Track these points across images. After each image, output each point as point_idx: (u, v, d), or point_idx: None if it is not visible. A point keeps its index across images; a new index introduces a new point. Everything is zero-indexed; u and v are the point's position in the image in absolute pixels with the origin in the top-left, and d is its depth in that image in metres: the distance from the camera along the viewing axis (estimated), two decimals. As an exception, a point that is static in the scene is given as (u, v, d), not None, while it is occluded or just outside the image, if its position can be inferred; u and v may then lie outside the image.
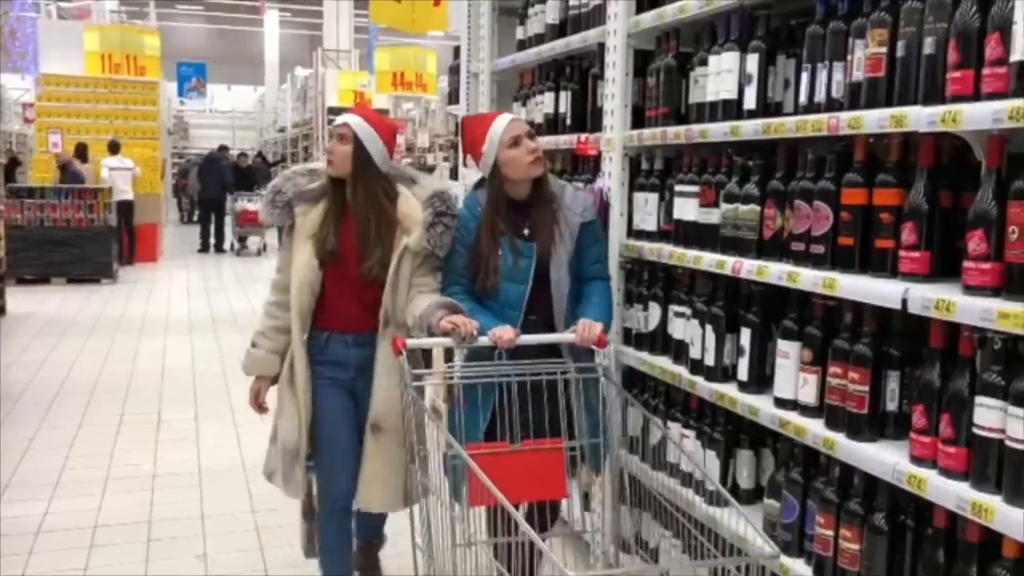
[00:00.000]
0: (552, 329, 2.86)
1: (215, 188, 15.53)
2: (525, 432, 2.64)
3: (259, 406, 3.11)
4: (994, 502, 1.86)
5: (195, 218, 19.16)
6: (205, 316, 9.67)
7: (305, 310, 2.95)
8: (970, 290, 1.94)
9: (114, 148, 13.10)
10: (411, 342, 2.69)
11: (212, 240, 15.87)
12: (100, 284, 11.58)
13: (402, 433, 2.79)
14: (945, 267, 2.12)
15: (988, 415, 1.89)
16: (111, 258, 11.83)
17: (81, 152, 13.01)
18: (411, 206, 2.95)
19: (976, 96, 1.91)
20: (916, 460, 2.08)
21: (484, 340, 2.69)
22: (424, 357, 3.10)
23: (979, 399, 1.91)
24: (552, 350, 2.82)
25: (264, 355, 3.05)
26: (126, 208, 12.82)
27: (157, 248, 14.22)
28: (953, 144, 2.19)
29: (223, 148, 18.20)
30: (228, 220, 15.83)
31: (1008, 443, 1.85)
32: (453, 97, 5.38)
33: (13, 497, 4.38)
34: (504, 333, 2.69)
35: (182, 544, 3.89)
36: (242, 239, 15.85)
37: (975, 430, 1.92)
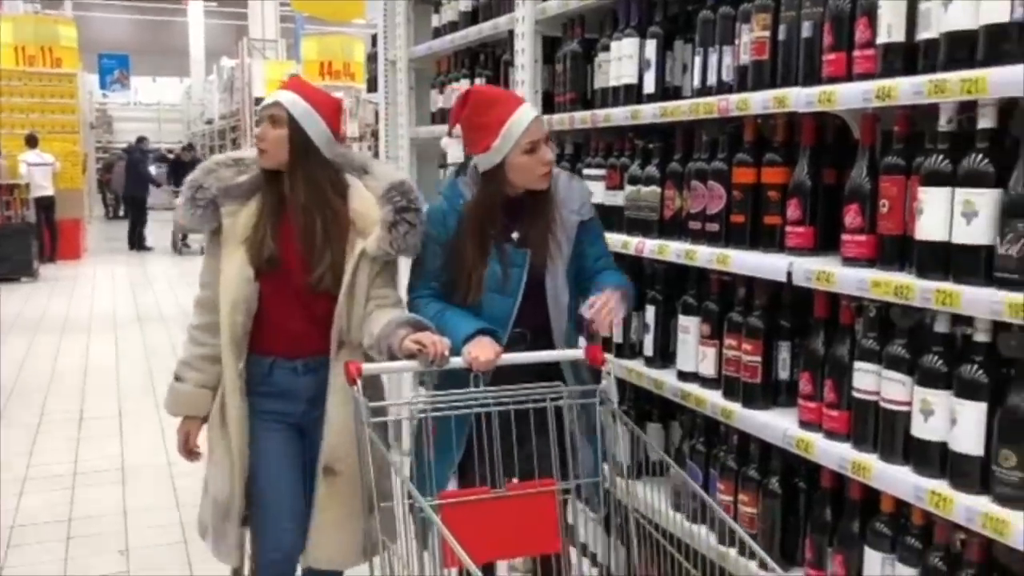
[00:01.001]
0: (549, 347, 2.44)
1: (135, 183, 15.16)
2: (510, 473, 2.23)
3: (189, 452, 2.60)
4: (871, 460, 1.97)
5: (121, 213, 18.73)
6: (130, 314, 9.51)
7: (240, 333, 2.44)
8: (848, 262, 2.05)
9: (32, 142, 12.74)
10: (367, 367, 2.23)
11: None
12: (20, 283, 11.28)
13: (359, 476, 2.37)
14: (830, 242, 2.23)
15: (865, 379, 2.00)
16: (31, 256, 11.53)
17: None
18: (365, 202, 2.45)
19: (849, 77, 2.02)
20: (804, 425, 2.19)
21: (458, 361, 2.26)
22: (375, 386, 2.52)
23: (857, 364, 2.02)
24: (548, 372, 2.39)
25: (191, 390, 2.53)
26: (46, 204, 12.50)
27: (80, 245, 13.90)
28: (835, 123, 2.30)
29: (140, 140, 17.75)
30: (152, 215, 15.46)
31: (882, 404, 1.96)
32: (371, 85, 5.39)
33: None
34: (481, 352, 2.23)
35: (103, 540, 3.86)
36: (184, 236, 15.11)
37: (854, 393, 2.04)
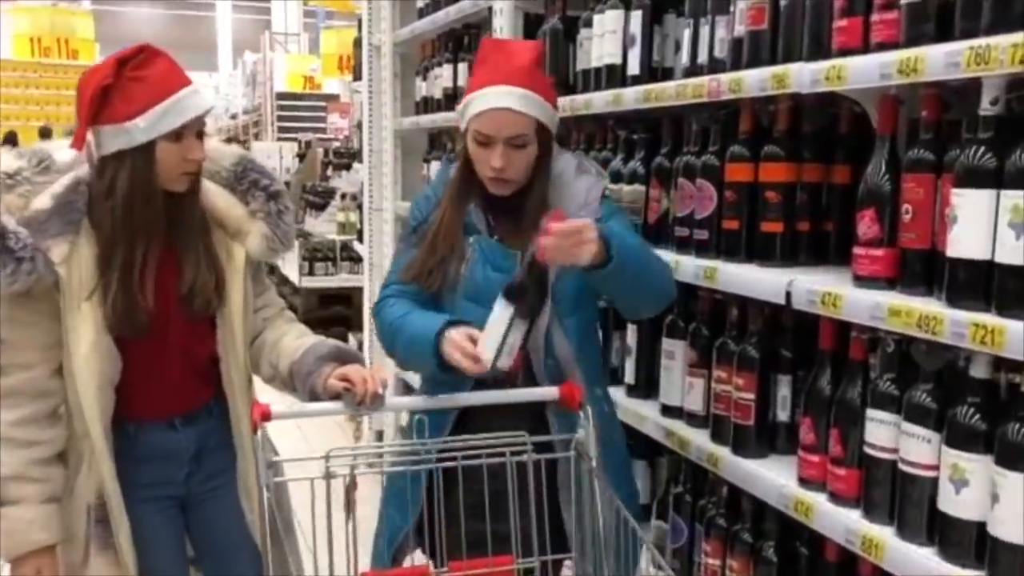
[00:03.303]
0: (532, 382, 1.90)
1: None
2: (477, 547, 1.79)
3: None
4: (885, 536, 1.55)
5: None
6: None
7: (108, 419, 1.83)
8: (861, 281, 1.63)
9: (45, 135, 12.54)
10: (278, 411, 1.76)
11: None
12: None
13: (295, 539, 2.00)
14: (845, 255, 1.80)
15: (880, 431, 1.58)
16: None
17: (11, 140, 12.44)
18: (222, 195, 1.94)
19: (866, 48, 1.59)
20: (804, 482, 1.77)
21: (402, 403, 1.90)
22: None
23: (870, 412, 1.60)
24: (534, 414, 1.89)
25: (36, 513, 1.78)
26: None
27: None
28: (852, 110, 1.87)
29: None
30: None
31: (901, 466, 1.53)
32: (356, 73, 5.01)
33: None
34: (465, 353, 1.75)
35: None
36: None
37: (866, 449, 1.61)
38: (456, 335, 1.76)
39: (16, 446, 1.78)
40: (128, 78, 1.74)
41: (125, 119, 1.73)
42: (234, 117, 24.81)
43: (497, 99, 1.81)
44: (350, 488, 1.82)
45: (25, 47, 13.40)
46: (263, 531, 1.73)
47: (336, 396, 1.84)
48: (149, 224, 1.80)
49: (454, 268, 1.90)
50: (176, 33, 32.21)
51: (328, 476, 1.78)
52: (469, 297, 1.89)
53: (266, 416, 1.78)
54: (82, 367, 1.78)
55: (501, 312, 1.70)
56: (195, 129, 1.80)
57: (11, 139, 12.47)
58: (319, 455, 1.79)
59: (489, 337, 1.71)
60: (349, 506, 1.79)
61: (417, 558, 1.97)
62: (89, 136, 1.79)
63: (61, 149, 1.83)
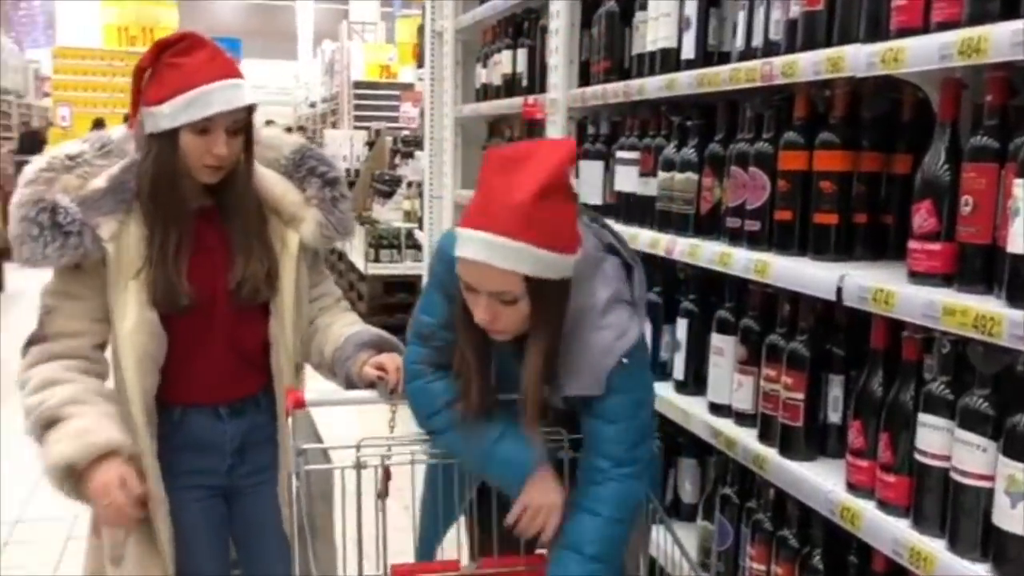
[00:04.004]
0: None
1: None
2: (510, 545, 1.78)
3: (139, 503, 1.75)
4: (936, 549, 1.45)
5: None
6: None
7: (151, 400, 1.84)
8: (916, 278, 1.53)
9: (99, 126, 12.77)
10: (312, 398, 1.82)
11: None
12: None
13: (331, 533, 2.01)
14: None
15: (932, 437, 1.48)
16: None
17: (99, 127, 12.84)
18: (278, 182, 1.94)
19: (926, 28, 1.49)
20: (852, 488, 1.68)
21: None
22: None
23: (922, 417, 1.50)
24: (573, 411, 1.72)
25: (94, 421, 1.73)
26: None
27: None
28: (916, 95, 1.76)
29: None
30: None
31: (954, 475, 1.43)
32: (420, 60, 4.99)
33: None
34: (538, 505, 1.66)
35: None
36: None
37: (917, 455, 1.51)
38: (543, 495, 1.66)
39: (65, 382, 1.77)
40: (165, 63, 1.76)
41: (154, 103, 1.74)
42: (313, 106, 25.23)
43: (478, 250, 1.49)
44: (384, 479, 1.82)
45: (113, 36, 13.82)
46: (290, 520, 1.71)
47: (371, 384, 1.84)
48: (174, 210, 1.81)
49: (479, 378, 1.66)
50: (258, 22, 32.89)
51: (359, 466, 1.78)
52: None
53: (299, 403, 1.79)
54: (126, 343, 1.80)
55: None
56: (224, 124, 1.77)
57: (99, 126, 12.89)
58: (351, 444, 1.80)
59: None
60: (382, 496, 1.78)
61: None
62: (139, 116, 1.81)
63: (79, 144, 1.85)
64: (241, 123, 1.81)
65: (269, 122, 14.95)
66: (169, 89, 1.73)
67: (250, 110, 1.83)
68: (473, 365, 1.64)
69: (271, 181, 1.95)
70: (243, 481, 1.99)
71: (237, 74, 1.80)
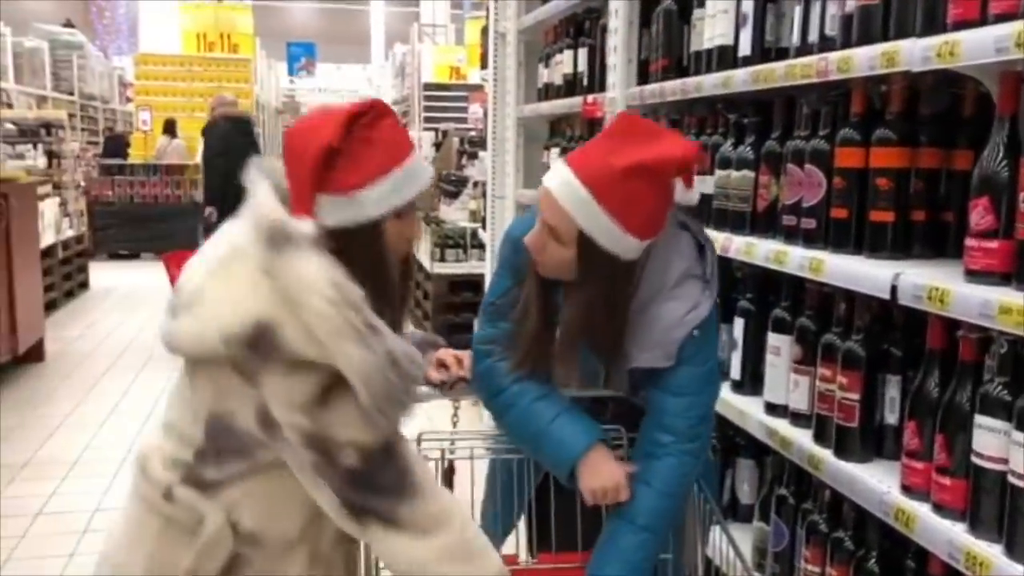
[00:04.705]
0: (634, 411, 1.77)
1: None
2: (567, 540, 1.81)
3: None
4: (993, 554, 1.42)
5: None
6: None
7: None
8: (973, 276, 1.49)
9: (169, 128, 12.93)
10: None
11: None
12: (190, 259, 11.74)
13: None
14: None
15: (988, 439, 1.45)
16: (197, 234, 12.00)
17: (170, 128, 13.15)
18: None
19: (983, 21, 1.45)
20: (907, 490, 1.65)
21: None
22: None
23: (979, 419, 1.46)
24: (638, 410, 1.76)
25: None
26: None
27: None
28: (977, 90, 1.72)
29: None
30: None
31: (1011, 479, 1.40)
32: (483, 61, 5.03)
33: (28, 476, 4.32)
34: (599, 482, 1.67)
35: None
36: None
37: (974, 458, 1.48)
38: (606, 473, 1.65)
39: None
40: (357, 139, 1.44)
41: (354, 188, 1.44)
42: (384, 107, 25.61)
43: (556, 180, 1.57)
44: (448, 472, 1.85)
45: (192, 42, 14.22)
46: None
47: (431, 382, 1.84)
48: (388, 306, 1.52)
49: (540, 341, 1.69)
50: (331, 27, 33.47)
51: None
52: None
53: None
54: None
55: None
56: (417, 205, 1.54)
57: (170, 127, 13.24)
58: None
59: None
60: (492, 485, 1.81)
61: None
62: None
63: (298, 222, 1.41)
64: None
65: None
66: (372, 170, 1.45)
67: None
68: (534, 316, 1.66)
69: None
70: None
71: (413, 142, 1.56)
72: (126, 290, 9.50)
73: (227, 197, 7.00)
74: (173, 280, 8.78)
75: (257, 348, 1.36)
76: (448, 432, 1.89)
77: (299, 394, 1.38)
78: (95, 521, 3.78)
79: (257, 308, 1.37)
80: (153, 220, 11.58)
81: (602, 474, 1.66)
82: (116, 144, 14.11)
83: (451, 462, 1.85)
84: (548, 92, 3.89)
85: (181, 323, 1.43)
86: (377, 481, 1.42)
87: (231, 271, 1.42)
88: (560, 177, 1.55)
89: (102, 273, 10.06)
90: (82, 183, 10.08)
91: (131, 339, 7.21)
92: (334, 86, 32.38)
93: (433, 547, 1.44)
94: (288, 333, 1.36)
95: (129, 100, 15.96)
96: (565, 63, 3.64)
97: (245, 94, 14.58)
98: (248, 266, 1.40)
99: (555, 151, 3.79)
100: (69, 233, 8.59)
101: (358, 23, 32.24)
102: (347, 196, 1.44)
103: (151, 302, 8.74)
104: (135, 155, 13.82)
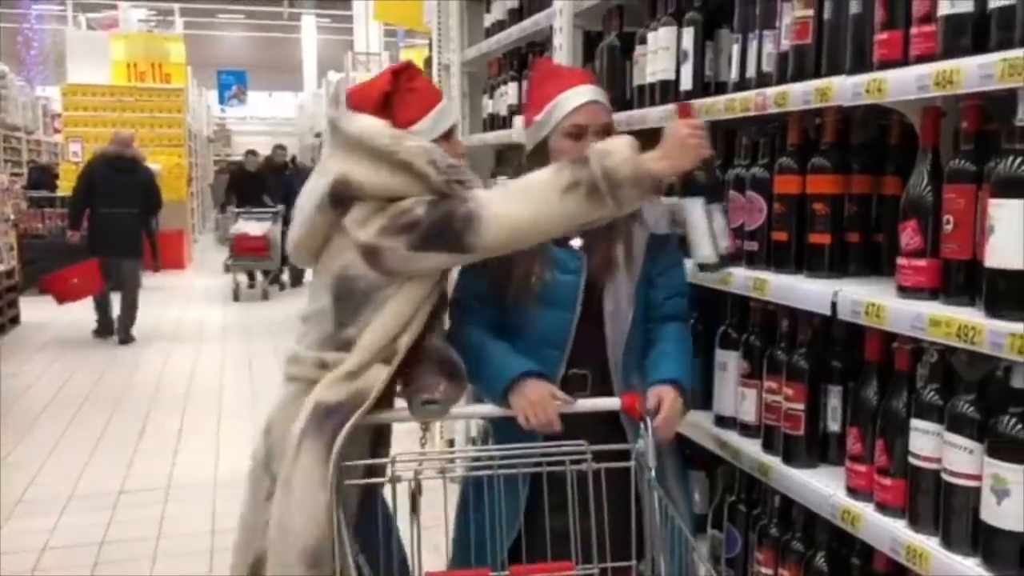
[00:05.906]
0: (606, 387, 2.05)
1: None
2: (561, 550, 1.88)
3: None
4: (930, 546, 1.55)
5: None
6: (235, 322, 9.56)
7: None
8: (905, 292, 1.64)
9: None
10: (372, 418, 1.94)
11: None
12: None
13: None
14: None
15: (923, 441, 1.58)
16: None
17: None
18: None
19: (905, 60, 1.60)
20: (852, 492, 1.78)
21: (466, 412, 2.05)
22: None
23: (914, 422, 1.60)
24: (609, 420, 2.01)
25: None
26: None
27: (184, 255, 14.20)
28: (903, 122, 1.88)
29: (250, 153, 15.56)
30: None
31: (944, 476, 1.53)
32: (427, 92, 5.13)
33: (22, 512, 4.26)
34: (532, 409, 1.90)
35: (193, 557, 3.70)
36: (250, 275, 11.54)
37: (911, 459, 1.61)
38: (534, 392, 1.90)
39: None
40: (403, 89, 1.95)
41: (408, 124, 1.93)
42: (318, 135, 25.51)
43: (588, 94, 2.08)
44: (415, 493, 1.91)
45: (122, 72, 14.04)
46: (330, 533, 1.80)
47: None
48: None
49: (528, 276, 2.02)
50: (264, 55, 33.24)
51: (394, 480, 1.88)
52: (543, 301, 2.02)
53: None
54: None
55: (694, 211, 1.98)
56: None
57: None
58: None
59: (700, 237, 1.98)
60: (414, 509, 1.88)
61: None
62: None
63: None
64: None
65: (279, 146, 14.49)
66: (421, 109, 1.96)
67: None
68: (520, 263, 2.00)
69: None
70: None
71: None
72: (60, 325, 9.30)
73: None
74: (60, 298, 8.79)
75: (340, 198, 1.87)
76: (417, 453, 1.97)
77: (365, 210, 1.86)
78: (44, 560, 3.73)
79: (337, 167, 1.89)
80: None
81: (530, 390, 1.91)
82: (42, 176, 13.79)
83: (418, 483, 1.91)
84: (494, 123, 4.00)
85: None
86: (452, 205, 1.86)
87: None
88: (587, 92, 2.08)
89: (34, 307, 9.82)
90: (11, 216, 9.86)
91: (68, 377, 7.08)
92: (262, 113, 32.14)
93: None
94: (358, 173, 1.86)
95: (57, 131, 15.63)
96: (510, 94, 3.76)
97: (177, 123, 14.45)
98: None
99: (502, 179, 3.90)
100: (-1, 268, 8.41)
101: (290, 50, 32.10)
102: (405, 130, 1.91)
103: (85, 338, 8.59)
104: (65, 187, 13.52)
